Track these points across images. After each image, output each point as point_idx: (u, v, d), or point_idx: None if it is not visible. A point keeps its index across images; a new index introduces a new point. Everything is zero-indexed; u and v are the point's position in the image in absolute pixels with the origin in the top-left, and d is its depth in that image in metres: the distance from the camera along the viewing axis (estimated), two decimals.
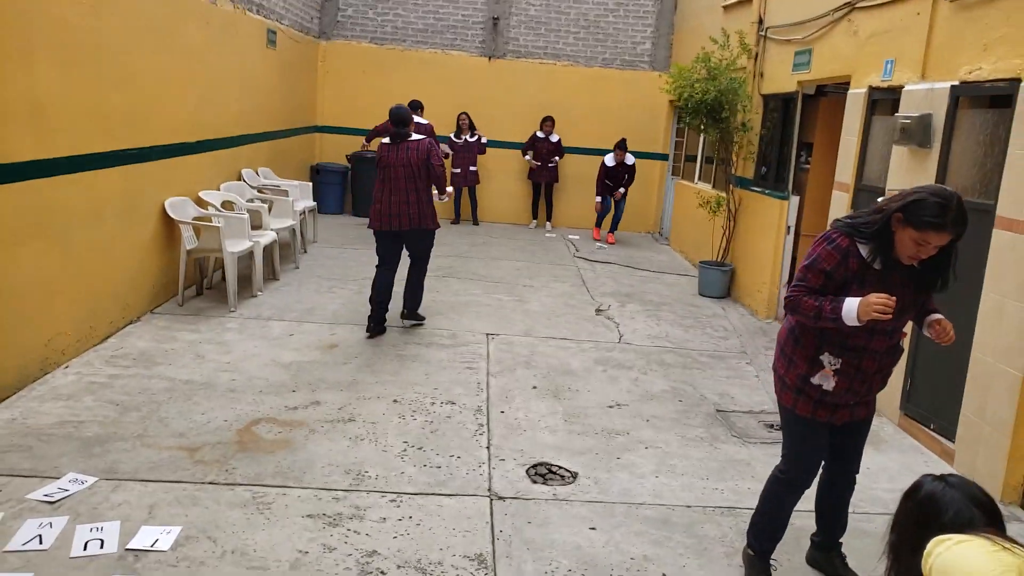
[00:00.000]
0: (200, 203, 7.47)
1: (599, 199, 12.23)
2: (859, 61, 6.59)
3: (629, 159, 12.11)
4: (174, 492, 3.84)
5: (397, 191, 6.50)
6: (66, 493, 3.70)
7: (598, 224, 12.63)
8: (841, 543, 3.69)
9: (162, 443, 4.35)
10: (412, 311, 7.00)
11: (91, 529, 3.41)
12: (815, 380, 3.25)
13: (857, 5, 6.61)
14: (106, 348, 5.76)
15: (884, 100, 6.23)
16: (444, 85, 12.92)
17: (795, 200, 8.06)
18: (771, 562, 3.62)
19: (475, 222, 12.99)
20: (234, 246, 7.00)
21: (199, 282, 7.42)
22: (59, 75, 5.10)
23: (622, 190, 12.23)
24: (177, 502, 3.75)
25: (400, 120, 6.56)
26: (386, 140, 6.66)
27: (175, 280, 7.04)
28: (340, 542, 3.54)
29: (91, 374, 5.24)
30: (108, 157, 5.80)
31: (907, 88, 5.72)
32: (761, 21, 8.91)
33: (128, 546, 3.34)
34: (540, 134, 12.67)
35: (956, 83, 5.19)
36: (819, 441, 3.41)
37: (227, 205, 7.81)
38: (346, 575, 3.31)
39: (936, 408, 5.22)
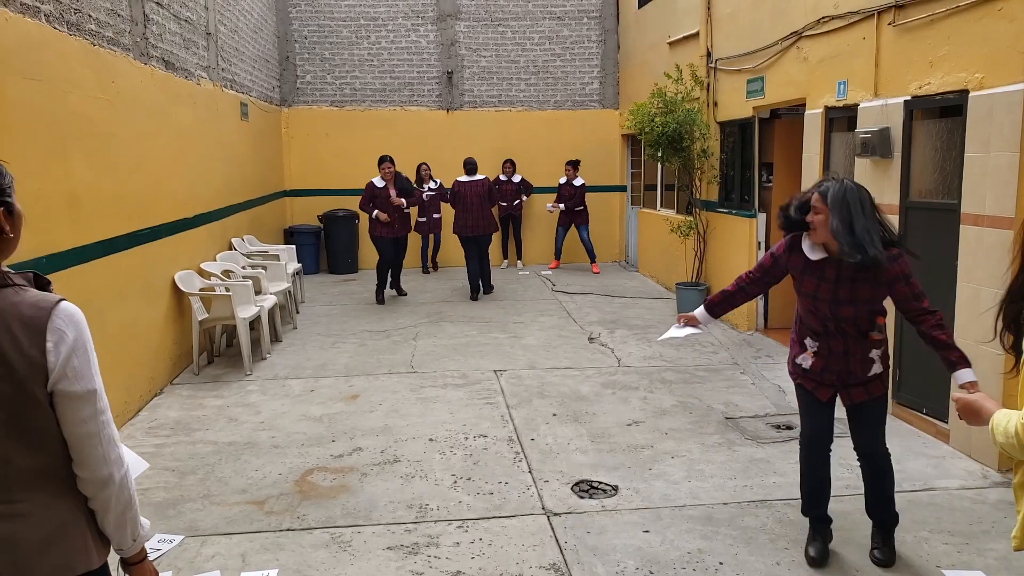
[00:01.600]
0: (202, 274, 7.74)
1: (550, 206, 13.05)
2: (812, 84, 7.18)
3: (578, 180, 12.84)
4: (258, 541, 4.12)
5: (472, 209, 10.71)
6: (160, 552, 3.96)
7: (556, 256, 13.43)
8: (888, 533, 4.00)
9: (229, 499, 4.62)
10: (487, 287, 11.10)
11: None
12: (798, 360, 3.91)
13: (804, 34, 7.23)
14: (141, 420, 5.99)
15: (840, 118, 6.81)
16: (405, 139, 13.36)
17: (762, 217, 8.61)
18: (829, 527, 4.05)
19: (435, 267, 13.56)
20: (244, 312, 7.28)
21: (209, 350, 7.66)
22: (87, 166, 5.41)
23: (561, 205, 12.91)
24: (264, 549, 4.03)
25: (471, 166, 10.97)
26: (463, 178, 10.86)
27: (188, 351, 7.29)
28: (425, 567, 3.86)
29: (137, 445, 5.47)
30: (128, 238, 6.09)
31: (863, 105, 6.30)
32: (709, 54, 9.54)
33: None
34: (503, 177, 13.12)
35: (908, 98, 5.76)
36: (812, 408, 3.93)
37: (226, 274, 8.08)
38: None
39: (926, 393, 5.71)
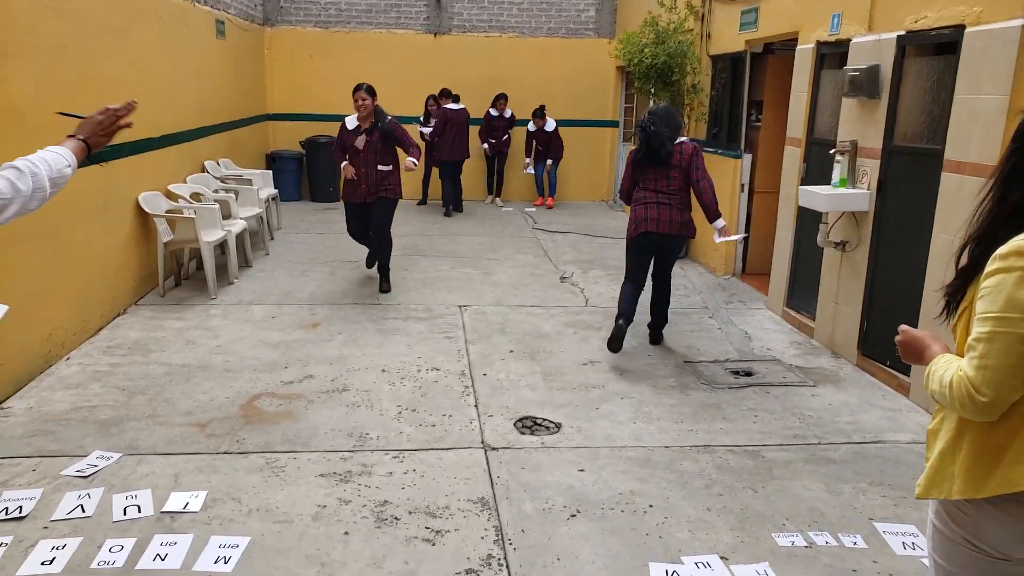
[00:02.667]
0: (170, 196, 7.63)
1: (528, 160, 13.08)
2: (806, 17, 6.92)
3: (549, 124, 12.70)
4: (194, 462, 4.11)
5: (460, 135, 11.89)
6: (96, 468, 3.96)
7: (540, 193, 13.30)
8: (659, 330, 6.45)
9: (173, 421, 4.61)
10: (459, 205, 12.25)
11: (127, 497, 3.69)
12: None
13: None
14: (101, 340, 5.96)
15: (832, 54, 6.58)
16: (391, 65, 13.07)
17: (747, 158, 8.45)
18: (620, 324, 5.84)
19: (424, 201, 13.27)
20: (209, 236, 7.19)
21: (176, 273, 7.59)
22: (30, 79, 5.23)
23: (549, 161, 12.87)
24: (198, 471, 4.02)
25: (455, 94, 11.99)
26: (452, 106, 11.78)
27: (154, 272, 7.22)
28: (354, 495, 3.85)
29: (92, 364, 5.45)
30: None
31: (855, 41, 6.07)
32: None
33: (163, 509, 3.62)
34: (494, 112, 12.79)
35: (902, 32, 5.51)
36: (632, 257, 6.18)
37: (195, 197, 7.96)
38: (364, 523, 3.61)
39: (892, 345, 5.60)
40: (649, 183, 5.95)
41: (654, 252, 6.10)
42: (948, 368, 1.92)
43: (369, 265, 8.16)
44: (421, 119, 12.69)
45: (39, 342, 5.24)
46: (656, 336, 6.41)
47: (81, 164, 2.30)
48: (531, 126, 12.84)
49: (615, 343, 5.81)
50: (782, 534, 3.65)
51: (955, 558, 2.01)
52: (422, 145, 11.32)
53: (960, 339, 2.02)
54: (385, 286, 7.66)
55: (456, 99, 12.13)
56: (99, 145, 2.29)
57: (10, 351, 4.89)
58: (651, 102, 11.49)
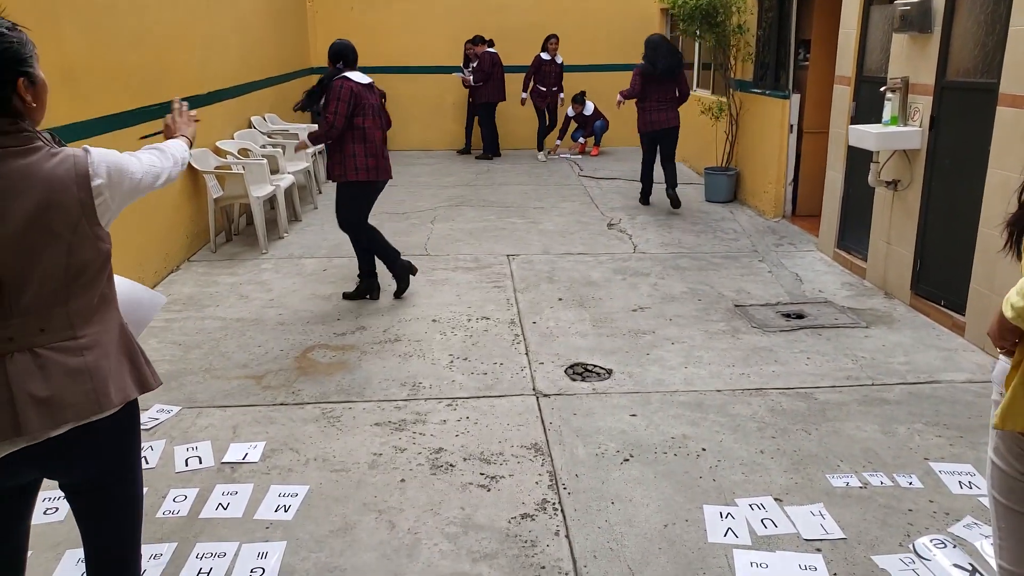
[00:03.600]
0: (218, 152, 7.71)
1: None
2: None
3: (588, 108, 12.62)
4: (251, 414, 4.21)
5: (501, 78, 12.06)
6: (157, 421, 4.08)
7: (574, 137, 13.03)
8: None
9: (229, 374, 4.72)
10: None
11: (187, 448, 3.81)
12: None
13: None
14: None
15: None
16: (433, 14, 12.93)
17: (796, 98, 8.25)
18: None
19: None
20: (258, 191, 7.28)
21: (227, 228, 7.71)
22: (81, 39, 5.30)
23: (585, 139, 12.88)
24: (256, 422, 4.13)
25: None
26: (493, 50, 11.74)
27: (206, 229, 7.34)
28: (409, 443, 3.92)
29: None
30: (133, 115, 6.03)
31: None
32: None
33: (223, 460, 3.73)
34: (545, 55, 12.10)
35: None
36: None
37: (243, 152, 8.05)
38: (419, 470, 3.69)
39: (946, 284, 5.53)
40: (657, 94, 8.69)
41: (661, 140, 8.85)
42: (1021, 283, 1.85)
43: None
44: (461, 66, 12.55)
45: None
46: (675, 200, 8.78)
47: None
48: (570, 111, 12.60)
49: (644, 198, 9.32)
50: (836, 475, 3.64)
51: (1015, 495, 1.99)
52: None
53: None
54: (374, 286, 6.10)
55: (491, 44, 12.10)
56: (193, 136, 2.67)
57: None
58: (696, 44, 11.28)
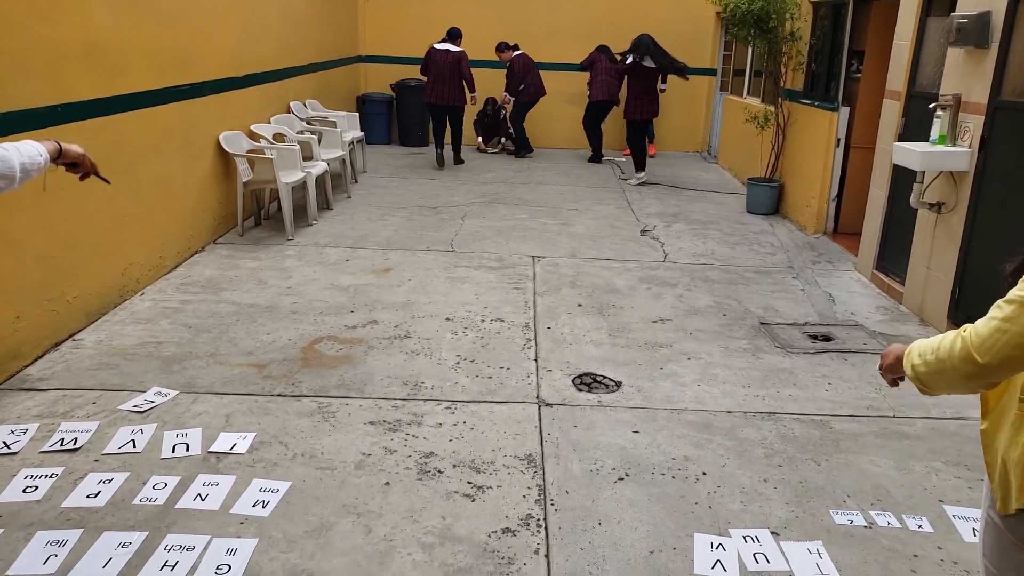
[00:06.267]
0: (253, 136, 7.71)
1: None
2: None
3: None
4: (247, 403, 4.16)
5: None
6: (152, 404, 4.05)
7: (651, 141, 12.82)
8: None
9: (233, 360, 4.68)
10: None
11: (177, 435, 3.76)
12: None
13: None
14: (176, 276, 6.11)
15: (940, 0, 6.09)
16: (485, 9, 12.83)
17: (845, 111, 7.97)
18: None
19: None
20: (287, 177, 7.25)
21: (257, 213, 7.71)
22: (109, 14, 5.28)
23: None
24: (250, 412, 4.07)
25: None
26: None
27: (234, 212, 7.35)
28: (400, 445, 3.82)
29: (164, 300, 5.59)
30: (164, 94, 6.03)
31: None
32: None
33: (210, 449, 3.68)
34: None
35: None
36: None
37: (278, 137, 8.04)
38: (406, 474, 3.59)
39: (983, 313, 5.25)
40: (643, 85, 10.35)
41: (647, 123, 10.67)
42: (943, 336, 1.77)
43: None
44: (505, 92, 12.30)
45: (115, 277, 5.39)
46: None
47: (82, 177, 2.63)
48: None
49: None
50: (841, 511, 3.45)
51: (1010, 561, 1.83)
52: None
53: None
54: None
55: (516, 47, 11.98)
56: (69, 159, 2.52)
57: (86, 286, 5.04)
58: (749, 50, 10.98)
